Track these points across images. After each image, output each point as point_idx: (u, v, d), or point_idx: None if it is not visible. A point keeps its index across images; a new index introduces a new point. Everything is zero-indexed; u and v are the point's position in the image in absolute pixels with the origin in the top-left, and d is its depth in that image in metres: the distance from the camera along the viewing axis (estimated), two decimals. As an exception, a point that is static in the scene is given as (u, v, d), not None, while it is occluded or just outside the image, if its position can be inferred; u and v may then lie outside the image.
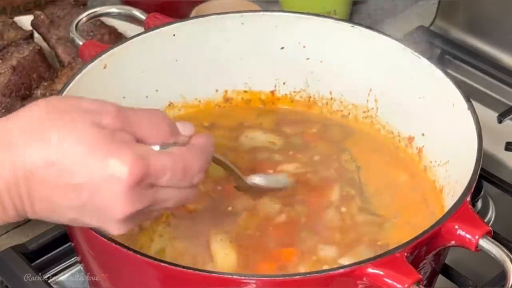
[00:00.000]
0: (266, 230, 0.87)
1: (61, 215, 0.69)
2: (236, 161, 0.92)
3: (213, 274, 0.73)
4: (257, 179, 0.88)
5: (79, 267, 0.93)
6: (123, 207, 0.67)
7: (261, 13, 1.01)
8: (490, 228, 0.76)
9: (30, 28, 1.22)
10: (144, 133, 0.70)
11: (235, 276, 0.72)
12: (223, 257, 0.83)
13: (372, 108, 0.99)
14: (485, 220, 0.95)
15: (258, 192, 0.89)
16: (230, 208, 0.88)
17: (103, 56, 0.93)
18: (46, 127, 0.67)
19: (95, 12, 1.03)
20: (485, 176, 1.02)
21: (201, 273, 0.72)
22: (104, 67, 0.93)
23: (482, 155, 0.82)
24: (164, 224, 0.86)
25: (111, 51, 0.94)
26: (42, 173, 0.66)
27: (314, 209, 0.89)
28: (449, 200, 0.85)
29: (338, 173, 0.94)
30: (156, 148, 0.70)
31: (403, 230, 0.86)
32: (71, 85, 0.89)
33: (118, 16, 1.15)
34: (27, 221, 1.01)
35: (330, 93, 1.02)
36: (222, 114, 1.02)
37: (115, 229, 0.69)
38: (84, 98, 0.71)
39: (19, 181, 0.67)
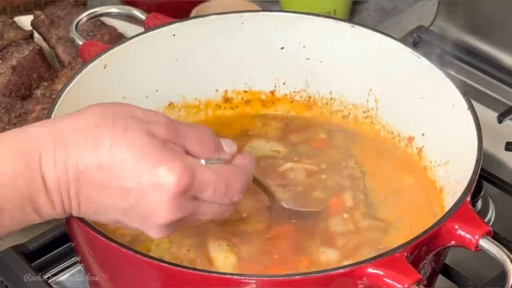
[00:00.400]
0: (269, 235, 0.86)
1: (105, 215, 0.72)
2: None
3: (213, 274, 0.73)
4: (292, 203, 0.89)
5: (79, 267, 0.93)
6: (166, 214, 0.70)
7: (261, 13, 1.01)
8: (490, 228, 0.76)
9: (30, 28, 1.22)
10: (192, 146, 0.72)
11: (235, 276, 0.72)
12: (223, 260, 0.83)
13: (372, 108, 0.99)
14: (485, 220, 0.94)
15: (291, 214, 0.88)
16: (234, 219, 0.87)
17: (103, 56, 0.93)
18: (100, 131, 0.70)
19: (95, 12, 1.03)
20: (485, 176, 1.02)
21: (201, 273, 0.72)
22: (104, 67, 0.93)
23: (482, 155, 0.82)
24: None
25: (111, 51, 0.94)
26: (93, 174, 0.69)
27: (322, 216, 0.89)
28: (449, 200, 0.85)
29: (346, 179, 0.94)
30: (202, 162, 0.72)
31: (407, 234, 0.86)
32: (71, 85, 0.89)
33: (118, 16, 1.15)
34: (27, 221, 1.01)
35: (330, 93, 1.02)
36: (225, 123, 1.01)
37: (155, 234, 0.72)
38: (137, 107, 0.73)
39: (70, 180, 0.69)
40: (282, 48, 1.00)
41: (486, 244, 0.75)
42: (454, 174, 0.87)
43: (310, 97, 1.03)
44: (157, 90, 0.98)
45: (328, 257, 0.84)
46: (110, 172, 0.69)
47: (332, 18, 1.01)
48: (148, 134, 0.70)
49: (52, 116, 0.84)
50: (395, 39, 0.96)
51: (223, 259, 0.83)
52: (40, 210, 0.71)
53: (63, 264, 0.95)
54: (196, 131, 0.74)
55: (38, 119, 1.07)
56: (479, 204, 1.02)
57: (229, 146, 0.76)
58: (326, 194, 0.92)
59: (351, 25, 0.98)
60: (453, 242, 0.76)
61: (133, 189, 0.69)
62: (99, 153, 0.69)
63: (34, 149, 0.69)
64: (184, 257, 0.83)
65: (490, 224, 0.94)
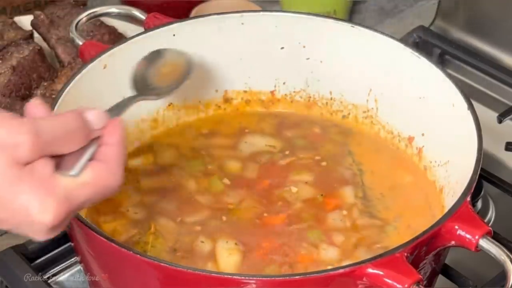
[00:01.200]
0: (267, 233, 0.87)
1: None
2: (242, 170, 0.94)
3: (213, 274, 0.73)
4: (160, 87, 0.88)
5: (79, 267, 0.93)
6: (45, 237, 0.68)
7: (261, 13, 1.01)
8: (490, 228, 0.76)
9: (30, 28, 1.22)
10: (62, 148, 0.69)
11: (235, 276, 0.72)
12: (226, 256, 0.83)
13: (372, 108, 0.99)
14: (485, 220, 0.95)
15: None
16: (224, 218, 0.88)
17: (103, 56, 0.93)
18: None
19: (95, 12, 1.03)
20: (485, 176, 1.02)
21: (201, 273, 0.72)
22: (104, 67, 0.93)
23: (482, 155, 0.82)
24: (153, 235, 0.86)
25: (111, 51, 0.94)
26: None
27: (319, 212, 0.89)
28: (449, 200, 0.85)
29: (343, 176, 0.94)
30: (74, 172, 0.69)
31: (404, 234, 0.86)
32: (71, 85, 0.89)
33: (118, 16, 1.15)
34: (27, 221, 1.01)
35: (330, 93, 1.02)
36: (222, 120, 1.01)
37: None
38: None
39: None
40: (282, 48, 1.01)
41: (486, 244, 0.75)
42: (454, 174, 0.87)
43: (310, 97, 1.03)
44: (157, 90, 0.98)
45: (328, 255, 0.84)
46: None
47: (332, 18, 1.01)
48: (13, 164, 0.65)
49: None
50: (395, 39, 0.96)
51: (226, 255, 0.83)
52: None
53: (63, 264, 0.95)
54: (62, 128, 0.69)
55: (38, 119, 1.07)
56: (479, 204, 1.02)
57: (98, 121, 0.71)
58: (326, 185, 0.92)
59: (351, 25, 0.98)
60: (453, 242, 0.76)
61: (6, 221, 0.67)
62: None
63: None
64: (197, 246, 0.84)
65: (490, 224, 0.94)
